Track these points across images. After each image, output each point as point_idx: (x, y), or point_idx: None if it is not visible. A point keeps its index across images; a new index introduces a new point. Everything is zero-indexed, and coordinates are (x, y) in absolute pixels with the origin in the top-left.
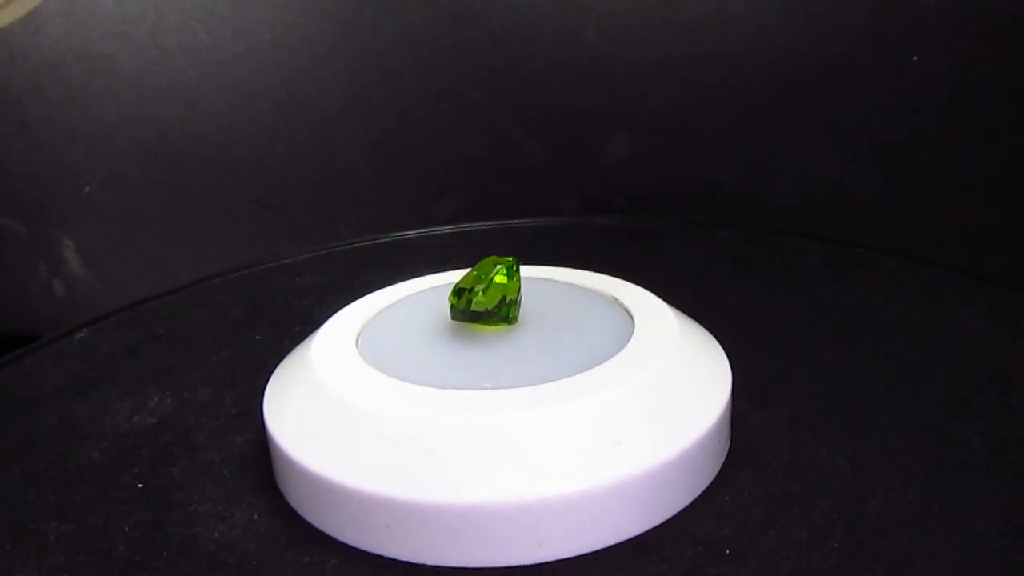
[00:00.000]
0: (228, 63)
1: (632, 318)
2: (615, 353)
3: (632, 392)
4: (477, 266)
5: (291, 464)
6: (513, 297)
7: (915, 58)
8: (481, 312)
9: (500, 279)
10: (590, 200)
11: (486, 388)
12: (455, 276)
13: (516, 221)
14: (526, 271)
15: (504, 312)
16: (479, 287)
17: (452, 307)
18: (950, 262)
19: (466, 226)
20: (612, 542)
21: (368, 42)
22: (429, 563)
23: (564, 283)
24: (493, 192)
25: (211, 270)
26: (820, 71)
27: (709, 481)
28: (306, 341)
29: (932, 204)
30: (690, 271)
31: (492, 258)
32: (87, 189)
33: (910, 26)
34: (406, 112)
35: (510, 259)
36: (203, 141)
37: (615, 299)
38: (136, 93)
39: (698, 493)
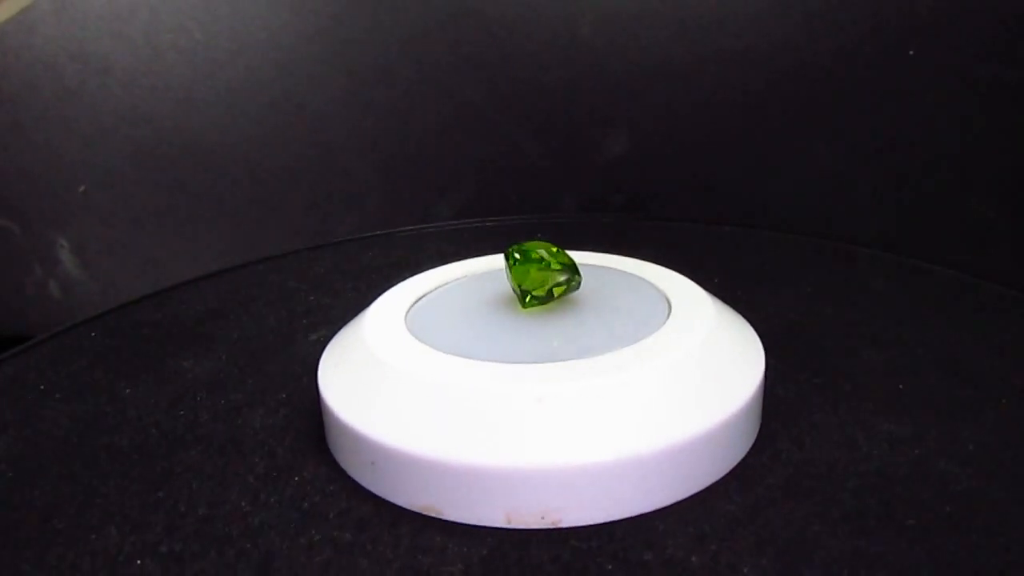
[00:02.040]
0: (223, 62)
1: (668, 300)
2: (654, 331)
3: (670, 367)
4: (529, 247)
5: (342, 427)
6: (561, 290)
7: (911, 53)
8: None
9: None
10: (589, 198)
11: (529, 361)
12: (496, 261)
13: (516, 218)
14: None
15: (530, 301)
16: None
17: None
18: (949, 259)
19: (464, 222)
20: (641, 511)
21: (364, 40)
22: (466, 523)
23: (601, 267)
24: (492, 190)
25: (209, 270)
26: (819, 69)
27: (741, 457)
28: (358, 317)
29: (931, 201)
30: (690, 266)
31: (542, 244)
32: (82, 189)
33: (909, 24)
34: (403, 110)
35: (554, 248)
36: (199, 140)
37: (651, 282)
38: (131, 92)
39: (729, 468)
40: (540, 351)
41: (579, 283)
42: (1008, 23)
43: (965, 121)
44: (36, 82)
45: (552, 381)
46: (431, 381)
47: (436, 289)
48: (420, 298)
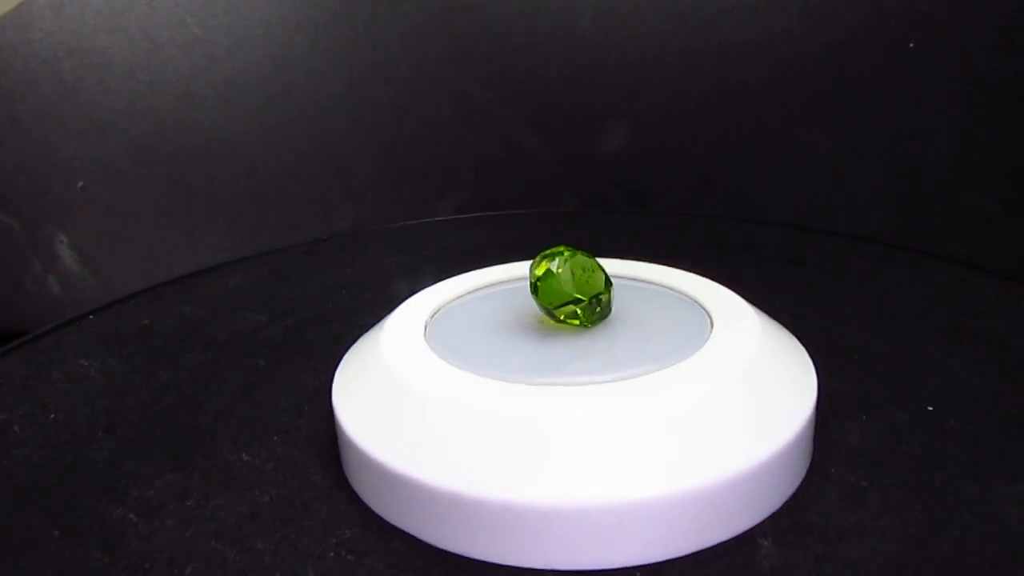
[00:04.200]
0: (221, 56)
1: (709, 314)
2: (696, 350)
3: (715, 390)
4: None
5: (359, 453)
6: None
7: (911, 45)
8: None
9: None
10: (588, 193)
11: (559, 383)
12: (516, 269)
13: (515, 213)
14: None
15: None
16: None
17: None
18: (949, 251)
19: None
20: (687, 552)
21: (362, 34)
22: (491, 561)
23: (635, 277)
24: (491, 185)
25: (207, 264)
26: (818, 62)
27: (792, 489)
28: (374, 329)
29: (931, 194)
30: (689, 261)
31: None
32: (81, 184)
33: (908, 15)
34: (402, 105)
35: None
36: (197, 135)
37: (690, 294)
38: (129, 87)
39: (781, 503)
40: (571, 371)
41: (606, 311)
42: (1008, 16)
43: (965, 114)
44: (34, 78)
45: (586, 407)
46: (453, 403)
47: (456, 300)
48: (439, 309)
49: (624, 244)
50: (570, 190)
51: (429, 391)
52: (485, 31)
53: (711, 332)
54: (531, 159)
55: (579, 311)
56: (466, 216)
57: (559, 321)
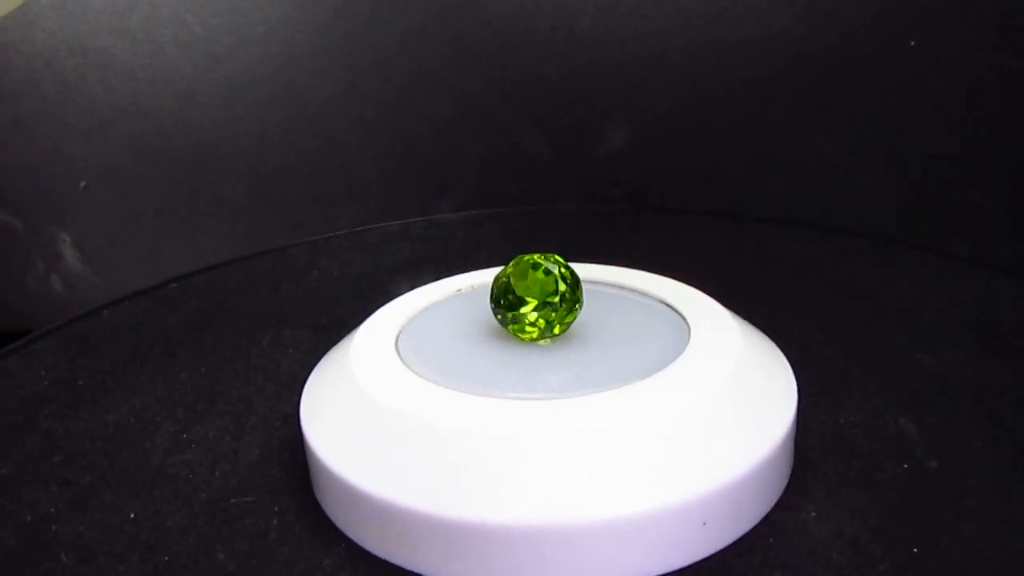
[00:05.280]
0: (223, 55)
1: (687, 322)
2: (672, 361)
3: (694, 404)
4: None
5: (330, 476)
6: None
7: (912, 43)
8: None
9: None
10: (588, 190)
11: (534, 397)
12: (486, 275)
13: (516, 209)
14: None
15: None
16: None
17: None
18: (950, 249)
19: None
20: (669, 569)
21: (363, 32)
22: None
23: (611, 284)
24: (492, 183)
25: (209, 263)
26: (819, 59)
27: (774, 501)
28: (343, 342)
29: (932, 191)
30: (690, 259)
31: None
32: (83, 184)
33: (909, 13)
34: (403, 104)
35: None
36: (199, 134)
37: (667, 301)
38: (131, 87)
39: (763, 514)
40: (547, 384)
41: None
42: (1009, 13)
43: (967, 112)
44: (36, 77)
45: (560, 422)
46: (422, 419)
47: (431, 307)
48: (413, 318)
49: (624, 242)
50: (571, 189)
51: (398, 406)
52: (485, 30)
53: (688, 342)
54: (532, 158)
55: (532, 322)
56: (467, 214)
57: (510, 331)
